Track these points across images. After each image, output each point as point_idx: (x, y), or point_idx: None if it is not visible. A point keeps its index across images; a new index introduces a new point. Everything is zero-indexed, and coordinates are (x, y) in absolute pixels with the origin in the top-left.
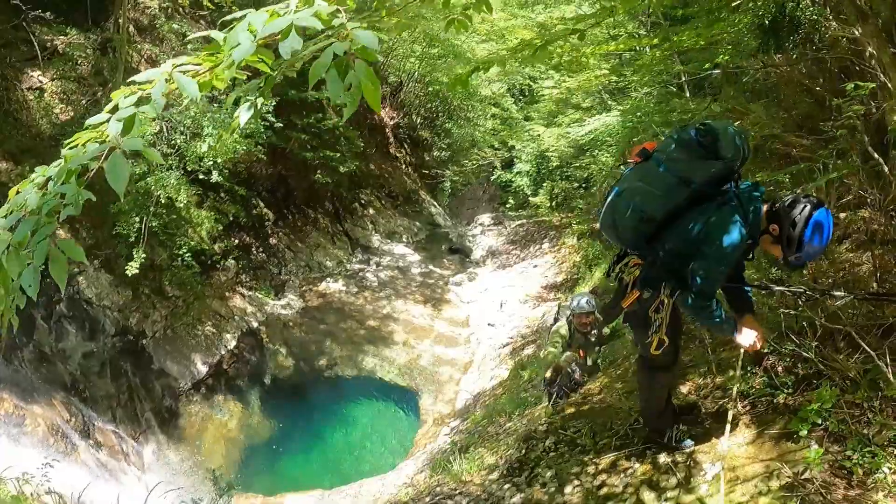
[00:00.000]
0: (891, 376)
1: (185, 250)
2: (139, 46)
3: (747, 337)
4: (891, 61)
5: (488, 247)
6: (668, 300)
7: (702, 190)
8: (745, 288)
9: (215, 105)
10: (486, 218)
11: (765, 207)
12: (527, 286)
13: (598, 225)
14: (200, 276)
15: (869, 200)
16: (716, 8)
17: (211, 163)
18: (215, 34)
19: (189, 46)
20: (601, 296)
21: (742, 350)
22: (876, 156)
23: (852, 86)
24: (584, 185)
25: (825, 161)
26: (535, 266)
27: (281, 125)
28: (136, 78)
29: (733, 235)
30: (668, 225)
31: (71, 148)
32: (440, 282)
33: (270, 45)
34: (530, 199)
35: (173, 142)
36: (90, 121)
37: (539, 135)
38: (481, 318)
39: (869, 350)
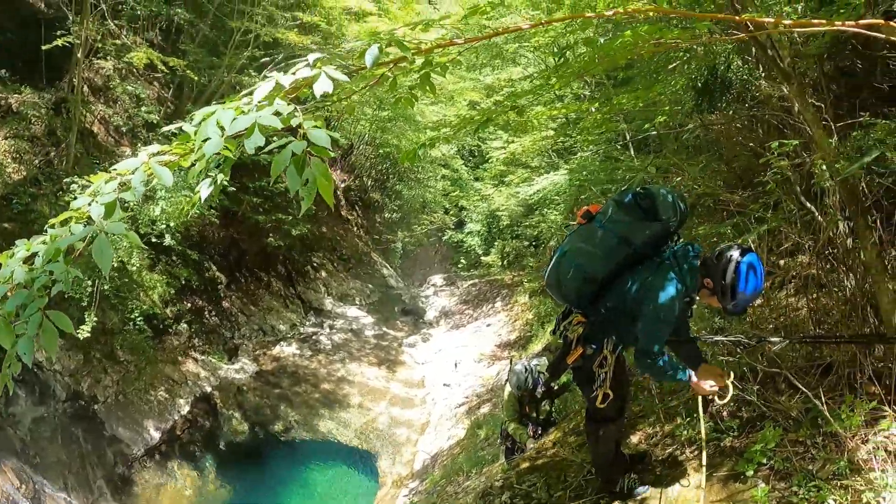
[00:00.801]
0: (827, 413)
1: (137, 314)
2: (93, 107)
3: (704, 385)
4: (813, 118)
5: (441, 307)
6: (611, 355)
7: (641, 250)
8: (693, 340)
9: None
10: (438, 278)
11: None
12: (481, 345)
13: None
14: (152, 340)
15: (805, 247)
16: (654, 70)
17: (164, 226)
18: (187, 127)
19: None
20: (553, 352)
21: (701, 397)
22: (808, 204)
23: (776, 143)
24: (534, 244)
25: (760, 213)
26: (489, 325)
27: (234, 188)
28: (118, 167)
29: (670, 293)
30: (609, 284)
31: (54, 227)
32: (394, 343)
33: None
34: (482, 258)
35: (126, 204)
36: (74, 203)
37: (489, 195)
38: (436, 378)
39: (806, 391)
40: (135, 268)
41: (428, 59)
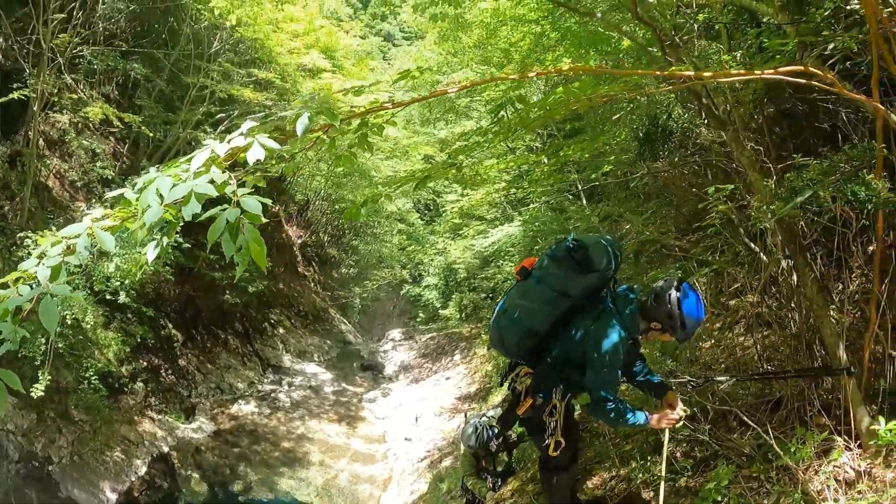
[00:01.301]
0: (777, 448)
1: (92, 373)
2: (48, 161)
3: (661, 420)
4: (749, 162)
5: (400, 361)
6: (560, 404)
7: (580, 301)
8: (652, 378)
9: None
10: (396, 333)
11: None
12: (441, 398)
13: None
14: (108, 399)
15: (753, 287)
16: (601, 121)
17: (118, 283)
18: (129, 194)
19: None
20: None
21: (665, 436)
22: (752, 245)
23: (713, 189)
24: (490, 296)
25: (706, 256)
26: (448, 378)
27: (189, 245)
28: (63, 232)
29: (613, 339)
30: (552, 335)
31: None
32: (354, 399)
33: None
34: (440, 311)
35: (78, 264)
36: (22, 265)
37: (445, 248)
38: (397, 433)
39: (756, 427)
40: (89, 325)
41: (364, 121)
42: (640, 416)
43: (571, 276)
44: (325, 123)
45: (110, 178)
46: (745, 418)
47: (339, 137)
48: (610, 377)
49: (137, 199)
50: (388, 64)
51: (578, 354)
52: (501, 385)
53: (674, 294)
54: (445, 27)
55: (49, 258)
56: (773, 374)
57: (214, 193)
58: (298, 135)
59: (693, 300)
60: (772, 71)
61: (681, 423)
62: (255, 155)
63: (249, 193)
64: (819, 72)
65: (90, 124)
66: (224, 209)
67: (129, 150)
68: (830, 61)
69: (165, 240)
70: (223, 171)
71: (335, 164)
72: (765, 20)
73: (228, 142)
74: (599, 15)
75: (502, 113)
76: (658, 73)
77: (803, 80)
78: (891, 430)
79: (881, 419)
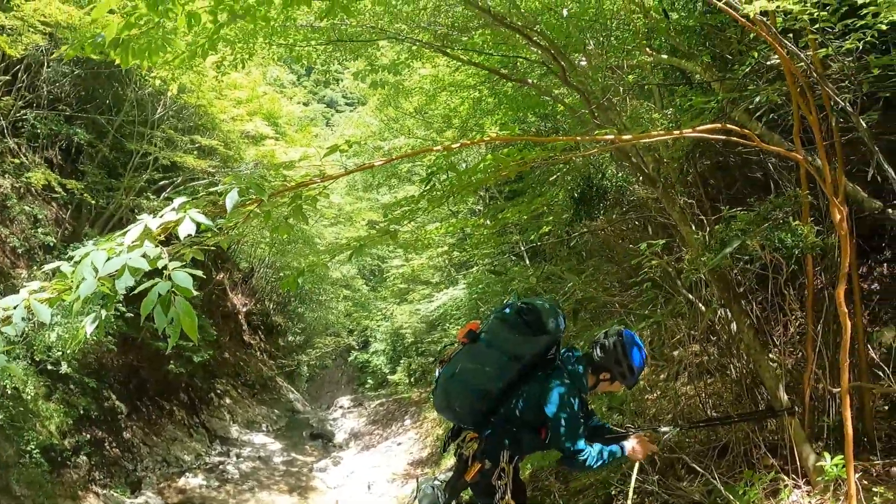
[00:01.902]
0: (725, 492)
1: (33, 446)
2: None
3: (638, 452)
4: (680, 216)
5: (350, 429)
6: (509, 467)
7: (531, 363)
8: (607, 426)
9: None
10: (345, 400)
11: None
12: (393, 465)
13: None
14: (50, 473)
15: (694, 337)
16: (538, 183)
17: (59, 353)
18: (65, 267)
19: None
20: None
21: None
22: (691, 297)
23: (644, 245)
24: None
25: (645, 310)
26: (399, 444)
27: (132, 314)
28: (1, 302)
29: (568, 394)
30: (502, 398)
31: None
32: (304, 469)
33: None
34: (388, 377)
35: (21, 330)
36: None
37: (391, 313)
38: (350, 502)
39: (705, 473)
40: (30, 396)
41: (297, 194)
42: (616, 449)
43: (523, 339)
44: (257, 197)
45: (52, 244)
46: (693, 465)
47: (275, 209)
48: (575, 427)
49: (73, 272)
50: (331, 130)
51: (531, 416)
52: (444, 451)
53: (616, 341)
54: (385, 94)
55: None
56: (717, 421)
57: (147, 267)
58: (228, 210)
59: (634, 343)
60: (690, 130)
61: (652, 450)
62: (186, 229)
63: (185, 265)
64: (736, 128)
65: (32, 189)
66: (156, 283)
67: (71, 216)
68: (757, 114)
69: (104, 312)
70: (156, 246)
71: (272, 233)
72: (695, 78)
73: (161, 216)
74: (531, 82)
75: (433, 181)
76: (579, 138)
77: (723, 137)
78: (836, 465)
79: (826, 455)
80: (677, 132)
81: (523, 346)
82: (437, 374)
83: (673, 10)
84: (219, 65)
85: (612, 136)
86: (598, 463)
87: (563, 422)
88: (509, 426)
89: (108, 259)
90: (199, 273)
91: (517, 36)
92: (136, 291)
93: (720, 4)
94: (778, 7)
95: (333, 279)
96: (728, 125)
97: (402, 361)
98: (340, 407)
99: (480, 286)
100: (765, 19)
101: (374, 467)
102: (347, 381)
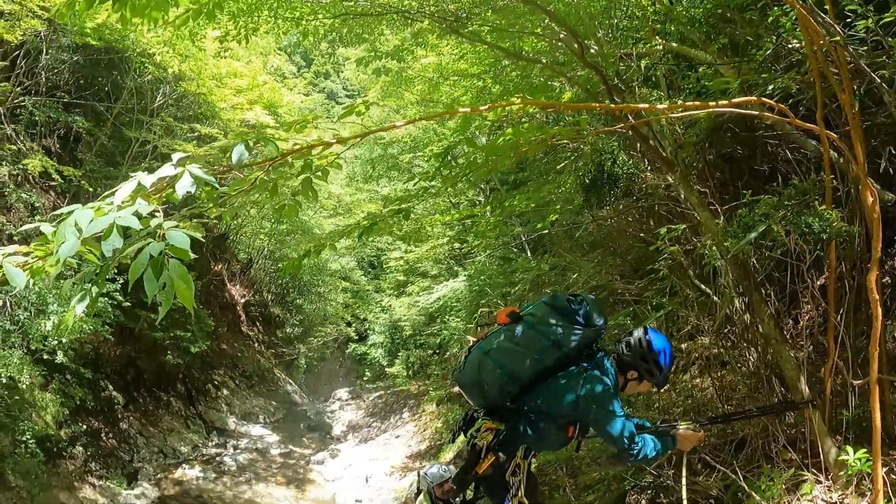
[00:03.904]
0: (747, 487)
1: (29, 436)
2: None
3: (689, 441)
4: (698, 201)
5: (348, 421)
6: (524, 462)
7: (569, 354)
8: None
9: (62, 281)
10: (343, 392)
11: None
12: (391, 457)
13: (456, 386)
14: (46, 464)
15: (705, 328)
16: (544, 171)
17: (56, 342)
18: (45, 228)
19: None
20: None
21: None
22: (703, 287)
23: (664, 230)
24: (437, 352)
25: (656, 300)
26: (398, 436)
27: (129, 304)
28: None
29: (608, 389)
30: (531, 386)
31: None
32: (301, 461)
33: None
34: (386, 369)
35: (16, 318)
36: None
37: (390, 305)
38: (348, 495)
39: (723, 468)
40: (25, 386)
41: (307, 163)
42: (668, 439)
43: (570, 328)
44: (266, 158)
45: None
46: (710, 460)
47: (281, 183)
48: (621, 420)
49: (53, 234)
50: (331, 121)
51: (558, 411)
52: (453, 440)
53: (643, 338)
54: (388, 82)
55: None
56: (739, 415)
57: (138, 226)
58: (234, 164)
59: (660, 339)
60: (726, 102)
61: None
62: (184, 187)
63: (179, 226)
64: (773, 102)
65: (30, 177)
66: (147, 243)
67: (68, 205)
68: (771, 101)
69: (95, 289)
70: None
71: (276, 214)
72: (702, 68)
73: (156, 173)
74: (544, 61)
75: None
76: (613, 107)
77: (756, 112)
78: (860, 459)
79: (849, 449)
80: (712, 104)
81: (568, 335)
82: (466, 351)
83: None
84: (222, 39)
85: (644, 106)
86: (654, 454)
87: (608, 415)
88: (536, 414)
89: (93, 219)
90: (199, 235)
91: (527, 18)
92: (123, 259)
93: None
94: None
95: (332, 270)
96: (764, 99)
97: (400, 354)
98: (338, 399)
99: (483, 277)
100: None
101: (372, 460)
102: (345, 373)
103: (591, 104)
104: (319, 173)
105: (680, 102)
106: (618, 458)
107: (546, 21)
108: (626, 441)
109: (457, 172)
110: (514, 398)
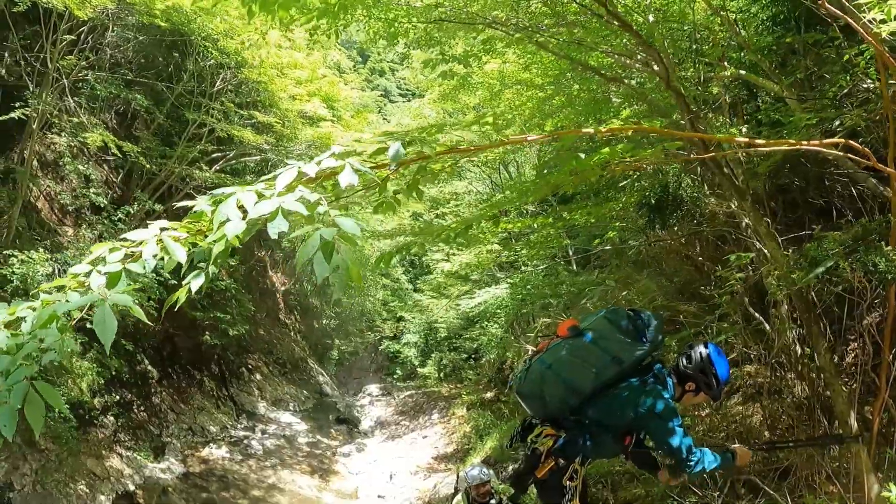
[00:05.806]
0: None
1: (63, 401)
2: (41, 182)
3: (745, 457)
4: (766, 231)
5: (377, 417)
6: (581, 468)
7: (628, 368)
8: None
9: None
10: (374, 388)
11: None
12: (417, 457)
13: (515, 394)
14: (77, 430)
15: (752, 356)
16: (603, 188)
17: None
18: (203, 206)
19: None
20: (494, 465)
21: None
22: (758, 315)
23: (734, 256)
24: (472, 357)
25: (711, 324)
26: (425, 437)
27: (174, 282)
28: (128, 236)
29: (668, 403)
30: (591, 398)
31: (48, 293)
32: (328, 452)
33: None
34: (418, 369)
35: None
36: (73, 269)
37: (428, 306)
38: (371, 489)
39: (772, 492)
40: (66, 351)
41: (422, 166)
42: (728, 454)
43: (630, 344)
44: (417, 155)
45: (102, 205)
46: (760, 483)
47: (396, 179)
48: (683, 432)
49: (213, 213)
50: (385, 119)
51: (617, 421)
52: (510, 447)
53: (703, 351)
54: (448, 86)
55: (108, 264)
56: (789, 443)
57: (305, 212)
58: (391, 163)
59: (719, 354)
60: (817, 142)
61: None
62: (346, 179)
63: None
64: (858, 146)
65: (87, 149)
66: (317, 229)
67: (122, 180)
68: (834, 138)
69: (213, 269)
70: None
71: (376, 210)
72: (766, 97)
73: (318, 163)
74: (626, 81)
75: (545, 170)
76: (705, 136)
77: (840, 153)
78: None
79: (892, 486)
80: (804, 143)
81: (629, 351)
82: (526, 362)
83: (746, 28)
84: (312, 32)
85: (743, 139)
86: (713, 466)
87: (671, 427)
88: (595, 426)
89: (258, 201)
90: (364, 224)
91: (598, 33)
92: (284, 238)
93: (854, 24)
94: None
95: (373, 266)
96: (850, 143)
97: (433, 355)
98: (369, 394)
99: (528, 287)
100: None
101: (397, 457)
102: (377, 369)
103: (689, 134)
104: (430, 175)
105: (763, 140)
106: (675, 469)
107: (621, 40)
108: (684, 452)
109: (548, 185)
110: (575, 409)
